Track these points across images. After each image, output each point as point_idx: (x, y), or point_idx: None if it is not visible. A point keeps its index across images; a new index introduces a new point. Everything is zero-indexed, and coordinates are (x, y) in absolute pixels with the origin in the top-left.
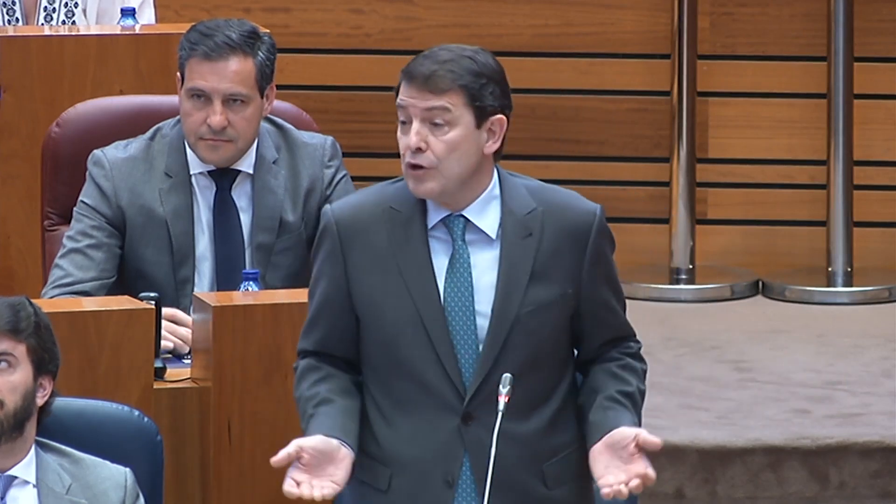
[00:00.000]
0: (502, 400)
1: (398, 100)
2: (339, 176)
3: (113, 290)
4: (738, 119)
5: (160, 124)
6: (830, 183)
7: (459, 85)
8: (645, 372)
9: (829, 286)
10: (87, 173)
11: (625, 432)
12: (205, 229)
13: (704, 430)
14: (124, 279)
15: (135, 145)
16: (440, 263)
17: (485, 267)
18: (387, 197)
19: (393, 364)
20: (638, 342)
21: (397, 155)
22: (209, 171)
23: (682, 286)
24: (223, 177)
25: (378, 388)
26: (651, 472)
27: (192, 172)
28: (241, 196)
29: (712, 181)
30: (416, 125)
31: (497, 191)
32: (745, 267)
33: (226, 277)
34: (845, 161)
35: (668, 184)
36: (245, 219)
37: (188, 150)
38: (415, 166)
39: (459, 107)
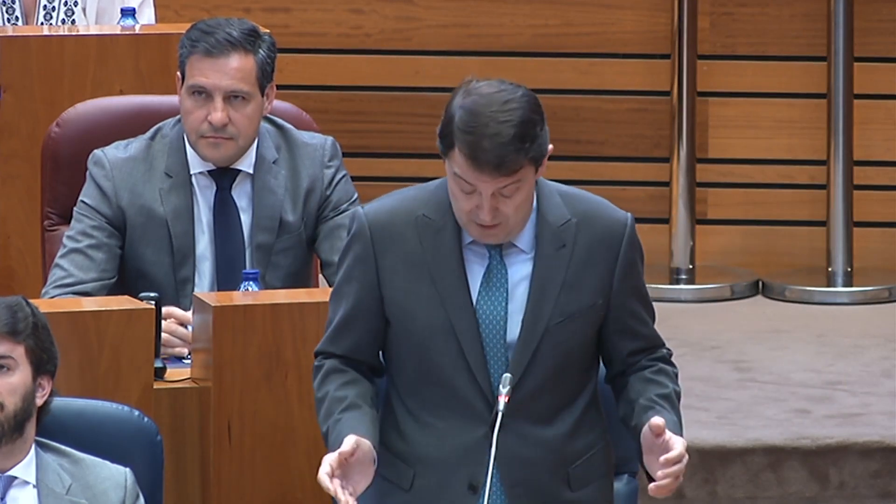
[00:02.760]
0: (502, 400)
1: (459, 172)
2: (338, 176)
3: (113, 290)
4: (738, 119)
5: (160, 124)
6: (830, 183)
7: (529, 158)
8: (677, 375)
9: (829, 286)
10: (88, 173)
11: (648, 427)
12: (205, 229)
13: (704, 430)
14: (124, 279)
15: (135, 145)
16: (475, 274)
17: (519, 279)
18: (420, 203)
19: (423, 369)
20: (668, 349)
21: (397, 155)
22: (209, 171)
23: (682, 286)
24: (223, 176)
25: (406, 389)
26: (675, 451)
27: (192, 172)
28: (241, 196)
29: (712, 181)
30: (488, 201)
31: (534, 203)
32: (745, 267)
33: (226, 277)
34: (845, 161)
35: (668, 184)
36: (245, 219)
37: (188, 150)
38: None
39: (528, 170)
